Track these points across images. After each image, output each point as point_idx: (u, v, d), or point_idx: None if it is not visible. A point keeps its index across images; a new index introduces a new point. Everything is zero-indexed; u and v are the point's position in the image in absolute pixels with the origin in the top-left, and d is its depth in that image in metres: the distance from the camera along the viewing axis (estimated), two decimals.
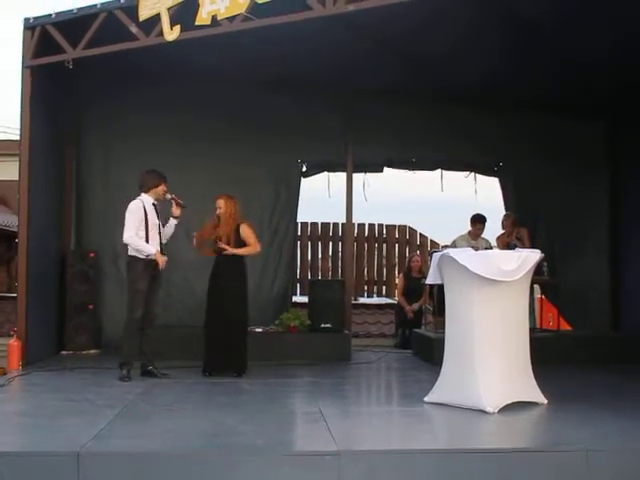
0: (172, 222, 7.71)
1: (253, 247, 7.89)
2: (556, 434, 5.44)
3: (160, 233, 7.49)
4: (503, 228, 10.37)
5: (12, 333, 8.01)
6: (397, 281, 12.27)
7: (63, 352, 9.09)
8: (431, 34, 8.22)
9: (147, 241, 7.34)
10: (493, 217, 10.44)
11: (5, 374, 7.59)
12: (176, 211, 7.66)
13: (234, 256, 7.78)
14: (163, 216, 7.66)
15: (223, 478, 4.52)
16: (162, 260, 7.36)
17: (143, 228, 7.32)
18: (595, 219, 11.13)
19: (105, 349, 9.28)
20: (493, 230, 10.37)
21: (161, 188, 7.51)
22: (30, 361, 7.94)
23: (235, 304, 7.75)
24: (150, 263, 7.34)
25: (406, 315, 10.97)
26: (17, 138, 8.71)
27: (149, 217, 7.36)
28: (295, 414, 6.33)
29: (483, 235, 10.10)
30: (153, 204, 7.49)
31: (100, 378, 7.40)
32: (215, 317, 7.73)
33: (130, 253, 7.38)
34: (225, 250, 7.70)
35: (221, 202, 7.87)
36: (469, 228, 10.12)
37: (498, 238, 10.34)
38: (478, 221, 10.07)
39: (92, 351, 9.19)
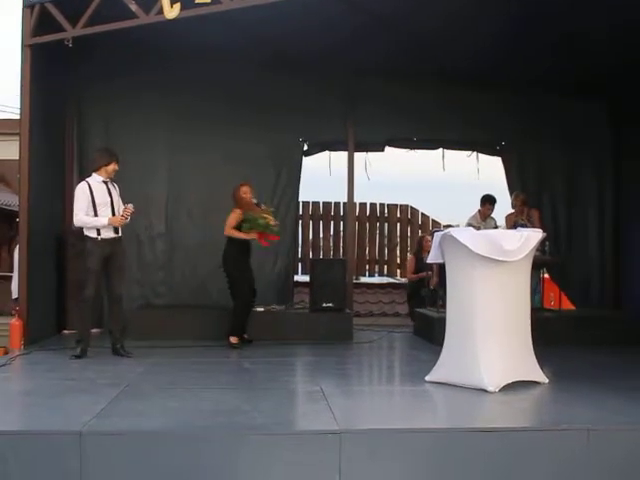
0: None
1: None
2: (557, 413, 5.44)
3: (114, 210, 7.43)
4: (513, 207, 10.32)
5: (14, 312, 8.02)
6: (407, 262, 12.05)
7: (65, 331, 9.10)
8: (429, 11, 8.12)
9: None
10: (496, 197, 10.35)
11: (7, 353, 7.63)
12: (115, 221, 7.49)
13: None
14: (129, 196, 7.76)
15: (225, 457, 4.52)
16: (115, 220, 7.35)
17: (91, 207, 7.36)
18: (598, 199, 11.11)
19: (106, 328, 9.23)
20: (498, 210, 10.33)
21: (111, 167, 7.47)
22: (32, 340, 7.94)
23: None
24: (102, 243, 7.35)
25: (419, 290, 10.81)
26: (16, 117, 8.66)
27: (95, 196, 7.38)
28: (297, 393, 6.30)
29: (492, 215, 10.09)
30: (104, 182, 7.47)
31: (101, 357, 7.40)
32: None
33: (85, 232, 7.41)
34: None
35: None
36: (479, 208, 10.12)
37: (507, 217, 10.31)
38: (488, 202, 10.07)
39: (94, 330, 9.15)
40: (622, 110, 10.85)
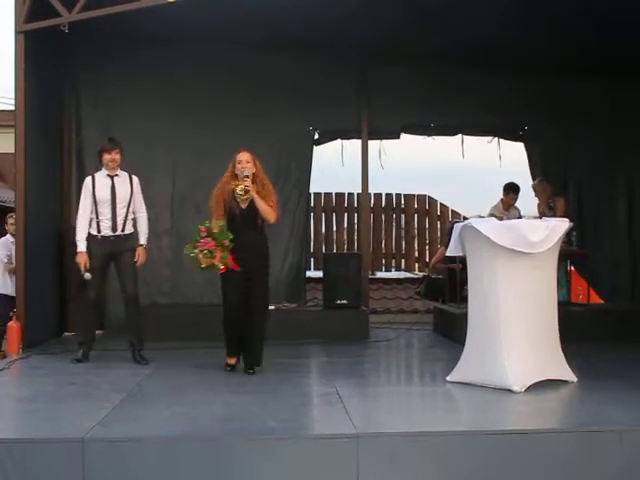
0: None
1: (274, 212, 6.68)
2: (587, 414, 5.28)
3: (115, 208, 7.06)
4: (536, 195, 10.09)
5: (11, 314, 7.87)
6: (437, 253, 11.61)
7: (66, 333, 8.98)
8: None
9: (97, 217, 7.06)
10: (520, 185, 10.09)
11: (5, 357, 7.50)
12: None
13: (261, 230, 6.71)
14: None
15: (236, 463, 4.41)
16: (80, 260, 7.00)
17: (94, 204, 7.09)
18: (628, 186, 10.85)
19: (109, 330, 9.14)
20: (522, 199, 10.07)
21: (106, 157, 7.13)
22: (31, 343, 7.80)
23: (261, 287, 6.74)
24: (102, 241, 7.06)
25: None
26: (11, 108, 8.51)
27: (97, 191, 7.09)
28: (311, 395, 6.22)
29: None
30: (108, 175, 7.15)
31: (104, 360, 7.26)
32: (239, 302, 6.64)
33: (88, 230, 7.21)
34: (249, 191, 6.48)
35: (249, 157, 6.73)
36: (501, 197, 9.91)
37: (538, 205, 10.07)
38: (511, 190, 9.87)
39: (97, 332, 8.99)
40: None
